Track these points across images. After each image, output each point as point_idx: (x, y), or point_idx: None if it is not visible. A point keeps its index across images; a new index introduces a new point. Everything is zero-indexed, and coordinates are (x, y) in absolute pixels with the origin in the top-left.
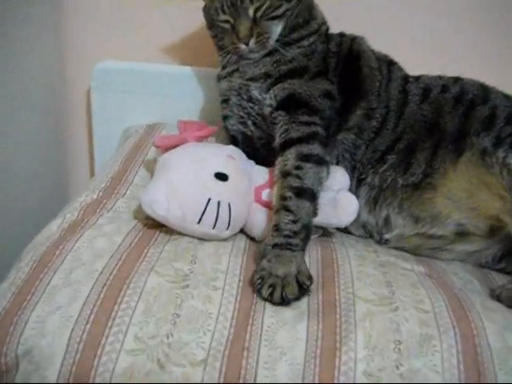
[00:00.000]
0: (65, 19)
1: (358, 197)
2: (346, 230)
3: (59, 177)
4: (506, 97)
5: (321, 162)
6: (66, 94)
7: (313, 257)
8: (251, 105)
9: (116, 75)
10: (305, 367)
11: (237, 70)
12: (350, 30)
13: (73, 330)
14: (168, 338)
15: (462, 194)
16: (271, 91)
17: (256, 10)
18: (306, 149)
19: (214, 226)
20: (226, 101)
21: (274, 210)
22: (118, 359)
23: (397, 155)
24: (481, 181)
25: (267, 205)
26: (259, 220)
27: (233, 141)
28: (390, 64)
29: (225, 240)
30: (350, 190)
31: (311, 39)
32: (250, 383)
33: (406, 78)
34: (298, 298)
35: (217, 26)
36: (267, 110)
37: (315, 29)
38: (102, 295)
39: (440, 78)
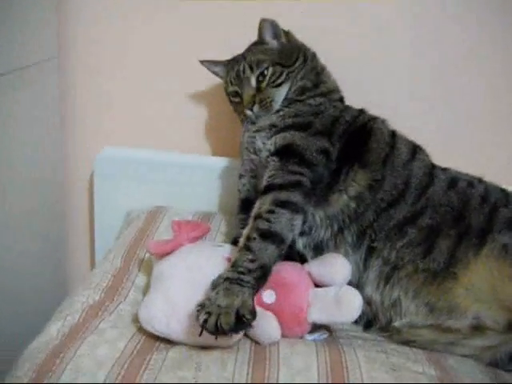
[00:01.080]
0: (69, 105)
1: (366, 267)
2: None
3: (59, 262)
4: None
5: (297, 210)
6: (68, 181)
7: (321, 360)
8: (255, 157)
9: (118, 162)
10: None
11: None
12: None
13: None
14: None
15: (483, 285)
16: (273, 138)
17: (258, 79)
18: (284, 195)
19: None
20: (242, 160)
21: (238, 249)
22: None
23: (418, 231)
24: (502, 273)
25: (269, 308)
26: (263, 325)
27: (243, 206)
28: (416, 147)
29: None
30: (359, 259)
31: (319, 100)
32: None
33: (432, 165)
34: (234, 330)
35: (230, 99)
36: (264, 155)
37: (324, 92)
38: None
39: (466, 174)
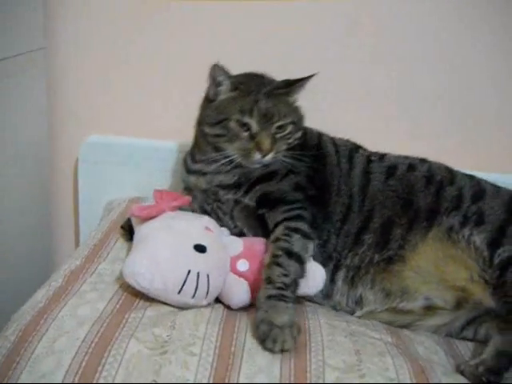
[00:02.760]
0: (56, 93)
1: (334, 280)
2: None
3: (44, 248)
4: (470, 177)
5: (307, 236)
6: (54, 166)
7: None
8: (220, 204)
9: (103, 149)
10: None
11: (204, 174)
12: None
13: None
14: None
15: (429, 267)
16: (247, 196)
17: (278, 129)
18: (293, 224)
19: (194, 295)
20: (189, 190)
21: (266, 266)
22: None
23: (374, 234)
24: (447, 254)
25: (242, 275)
26: (236, 290)
27: None
28: (352, 151)
29: (204, 307)
30: (327, 277)
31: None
32: None
33: (368, 159)
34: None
35: (228, 127)
36: (251, 206)
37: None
38: (83, 363)
39: (406, 157)
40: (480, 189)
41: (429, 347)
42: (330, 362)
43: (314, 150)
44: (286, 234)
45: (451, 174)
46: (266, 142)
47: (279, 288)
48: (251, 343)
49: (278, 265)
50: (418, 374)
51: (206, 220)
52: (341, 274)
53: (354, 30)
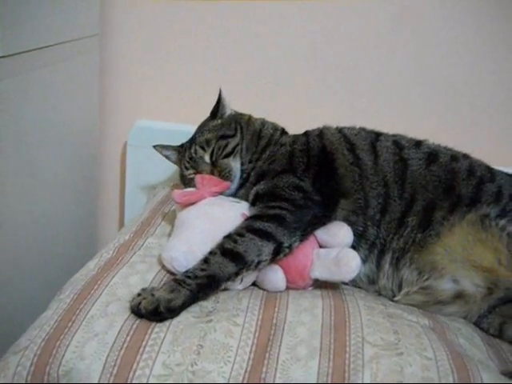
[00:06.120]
0: (108, 78)
1: (380, 265)
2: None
3: (90, 228)
4: (509, 177)
5: (268, 239)
6: (103, 149)
7: (326, 303)
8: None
9: (151, 134)
10: None
11: None
12: None
13: (108, 355)
14: (192, 366)
15: (458, 247)
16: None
17: (211, 156)
18: (258, 224)
19: None
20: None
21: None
22: (147, 383)
23: (417, 216)
24: (476, 238)
25: (277, 262)
26: (270, 276)
27: None
28: (372, 140)
29: None
30: (372, 263)
31: (268, 152)
32: None
33: (399, 145)
34: (147, 317)
35: (190, 181)
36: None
37: (267, 142)
38: (134, 326)
39: (446, 148)
40: None
41: (465, 333)
42: (368, 339)
43: (318, 155)
44: (239, 234)
45: (491, 172)
46: (204, 172)
47: (187, 276)
48: (292, 317)
49: (205, 261)
50: (456, 356)
51: (244, 206)
52: (387, 258)
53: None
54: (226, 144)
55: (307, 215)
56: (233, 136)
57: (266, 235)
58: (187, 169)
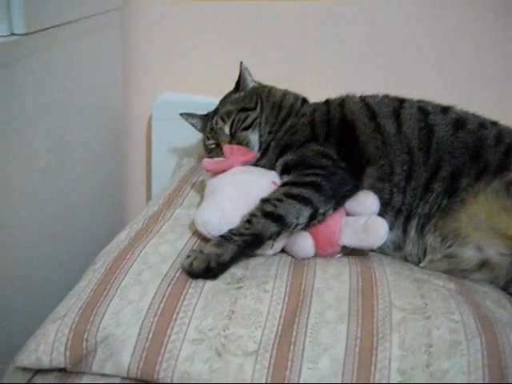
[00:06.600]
0: (131, 51)
1: (406, 231)
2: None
3: (117, 200)
4: None
5: (306, 203)
6: (128, 123)
7: (353, 269)
8: None
9: (176, 106)
10: (345, 362)
11: None
12: None
13: (143, 321)
14: (224, 330)
15: (482, 215)
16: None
17: (231, 128)
18: (296, 190)
19: None
20: None
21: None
22: (181, 347)
23: (443, 182)
24: (501, 206)
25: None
26: (300, 242)
27: None
28: (395, 107)
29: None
30: (399, 229)
31: (288, 123)
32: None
33: (424, 111)
34: (200, 276)
35: (211, 151)
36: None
37: (287, 113)
38: (167, 293)
39: (474, 115)
40: None
41: (491, 296)
42: (396, 303)
43: (338, 124)
44: (278, 199)
45: None
46: (223, 144)
47: (233, 233)
48: (319, 283)
49: (248, 222)
50: (483, 319)
51: (273, 174)
52: (413, 224)
53: None
54: (246, 117)
55: (341, 182)
56: (253, 109)
57: (303, 200)
58: (208, 139)
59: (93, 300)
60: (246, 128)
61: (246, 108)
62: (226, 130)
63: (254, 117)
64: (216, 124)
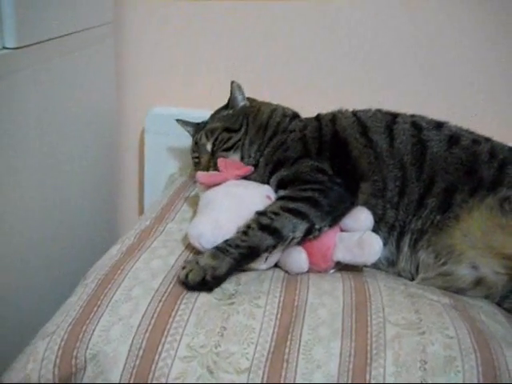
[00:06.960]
0: (124, 65)
1: (400, 247)
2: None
3: (109, 214)
4: None
5: (303, 218)
6: (121, 136)
7: (347, 285)
8: None
9: (168, 120)
10: (339, 379)
11: None
12: None
13: (134, 338)
14: (216, 347)
15: (477, 233)
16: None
17: (213, 145)
18: (293, 205)
19: None
20: None
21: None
22: (172, 365)
23: (436, 198)
24: (495, 223)
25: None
26: (293, 257)
27: None
28: (388, 123)
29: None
30: (392, 245)
31: (275, 140)
32: None
33: (417, 127)
34: (196, 289)
35: (195, 164)
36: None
37: (273, 131)
38: (158, 309)
39: (468, 131)
40: None
41: (487, 310)
42: (390, 318)
43: (330, 141)
44: (275, 213)
45: None
46: (203, 161)
47: (228, 245)
48: (313, 299)
49: (244, 234)
50: (478, 334)
51: (267, 189)
52: (406, 240)
53: None
54: (229, 138)
55: (338, 199)
56: (237, 130)
57: (300, 214)
58: (194, 151)
59: (82, 316)
60: (227, 149)
61: (230, 129)
62: (208, 147)
63: (236, 139)
64: (200, 139)
